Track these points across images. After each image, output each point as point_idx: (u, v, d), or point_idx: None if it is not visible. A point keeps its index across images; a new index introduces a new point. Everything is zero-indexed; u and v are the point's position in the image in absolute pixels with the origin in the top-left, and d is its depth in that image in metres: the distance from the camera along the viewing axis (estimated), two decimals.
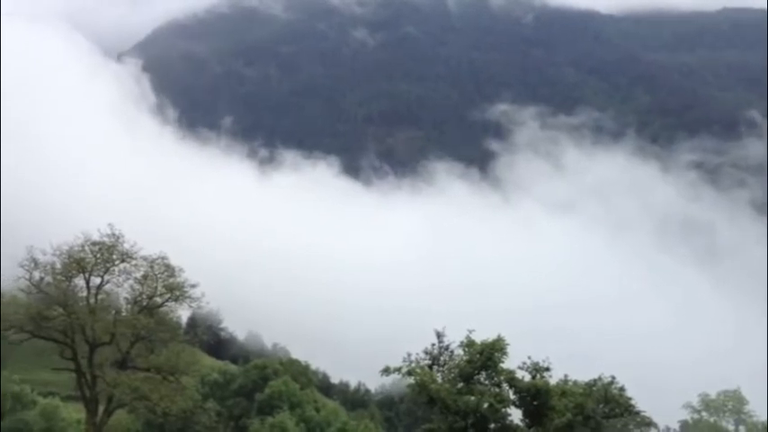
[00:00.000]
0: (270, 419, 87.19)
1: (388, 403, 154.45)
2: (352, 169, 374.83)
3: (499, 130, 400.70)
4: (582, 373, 50.35)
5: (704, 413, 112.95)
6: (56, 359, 58.39)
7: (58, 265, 56.28)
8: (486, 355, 48.06)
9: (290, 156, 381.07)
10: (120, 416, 79.70)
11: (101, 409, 57.08)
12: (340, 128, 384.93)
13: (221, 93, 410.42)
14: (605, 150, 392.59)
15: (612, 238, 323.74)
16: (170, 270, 58.46)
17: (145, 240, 59.80)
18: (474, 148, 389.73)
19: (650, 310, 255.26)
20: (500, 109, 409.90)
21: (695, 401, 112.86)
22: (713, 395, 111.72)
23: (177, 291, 58.25)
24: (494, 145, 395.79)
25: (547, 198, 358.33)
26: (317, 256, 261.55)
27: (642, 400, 49.22)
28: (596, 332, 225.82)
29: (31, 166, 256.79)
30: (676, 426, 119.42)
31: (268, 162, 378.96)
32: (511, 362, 48.28)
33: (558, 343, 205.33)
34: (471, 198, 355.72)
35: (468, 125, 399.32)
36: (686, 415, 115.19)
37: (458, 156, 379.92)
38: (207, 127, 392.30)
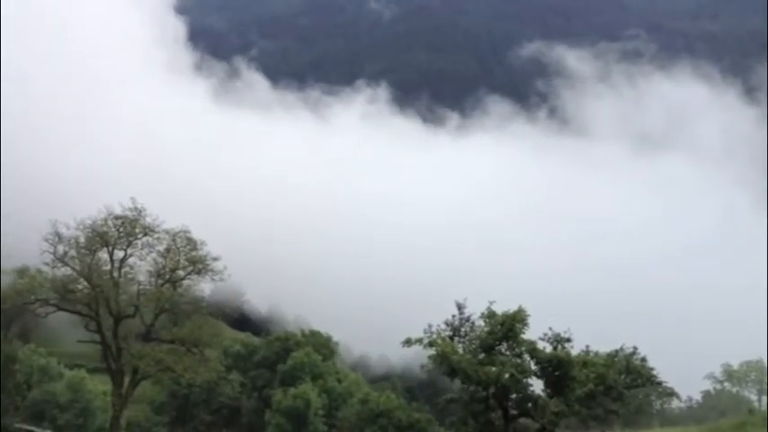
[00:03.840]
0: (292, 390, 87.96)
1: (409, 374, 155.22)
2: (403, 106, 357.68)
3: (543, 68, 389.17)
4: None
5: (726, 383, 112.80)
6: (81, 332, 59.07)
7: (82, 239, 56.77)
8: (508, 326, 48.16)
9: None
10: (146, 387, 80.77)
11: (126, 380, 57.80)
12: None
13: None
14: (667, 77, 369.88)
15: (704, 178, 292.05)
16: (192, 243, 58.84)
17: (168, 209, 60.17)
18: (524, 90, 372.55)
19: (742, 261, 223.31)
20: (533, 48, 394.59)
21: (718, 372, 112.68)
22: (735, 366, 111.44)
23: (199, 264, 58.64)
24: (543, 84, 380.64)
25: (625, 134, 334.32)
26: (344, 217, 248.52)
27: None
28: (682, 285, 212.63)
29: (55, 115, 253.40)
30: (699, 396, 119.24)
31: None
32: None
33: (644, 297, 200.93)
34: (543, 140, 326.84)
35: (510, 66, 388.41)
36: (709, 385, 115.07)
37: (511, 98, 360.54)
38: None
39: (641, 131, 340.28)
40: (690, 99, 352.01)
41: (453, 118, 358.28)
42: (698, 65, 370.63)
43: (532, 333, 49.25)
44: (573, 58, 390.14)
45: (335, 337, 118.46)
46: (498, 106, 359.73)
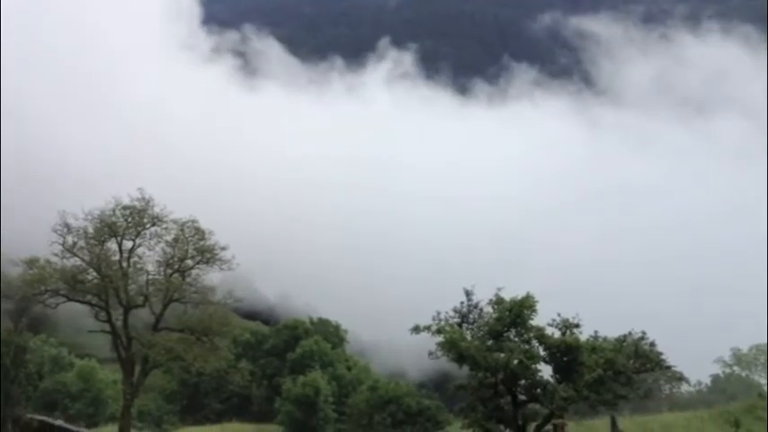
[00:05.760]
0: (302, 378, 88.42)
1: (418, 362, 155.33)
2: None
3: (563, 39, 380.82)
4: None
5: (736, 367, 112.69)
6: (91, 322, 59.39)
7: (91, 230, 56.96)
8: (516, 313, 48.26)
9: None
10: (156, 376, 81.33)
11: (137, 369, 58.14)
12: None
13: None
14: (700, 41, 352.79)
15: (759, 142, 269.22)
16: (200, 233, 59.06)
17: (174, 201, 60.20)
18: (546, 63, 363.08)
19: None
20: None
21: (727, 356, 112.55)
22: (745, 349, 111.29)
23: (208, 253, 58.84)
24: (567, 56, 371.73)
25: (661, 97, 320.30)
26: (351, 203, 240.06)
27: None
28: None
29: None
30: (708, 380, 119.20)
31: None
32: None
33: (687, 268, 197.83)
34: (580, 115, 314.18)
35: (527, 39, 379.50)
36: (718, 369, 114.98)
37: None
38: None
39: (679, 93, 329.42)
40: (729, 59, 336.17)
41: (462, 100, 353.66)
42: (729, 26, 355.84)
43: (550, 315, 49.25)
44: (593, 24, 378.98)
45: (344, 325, 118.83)
46: (525, 74, 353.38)
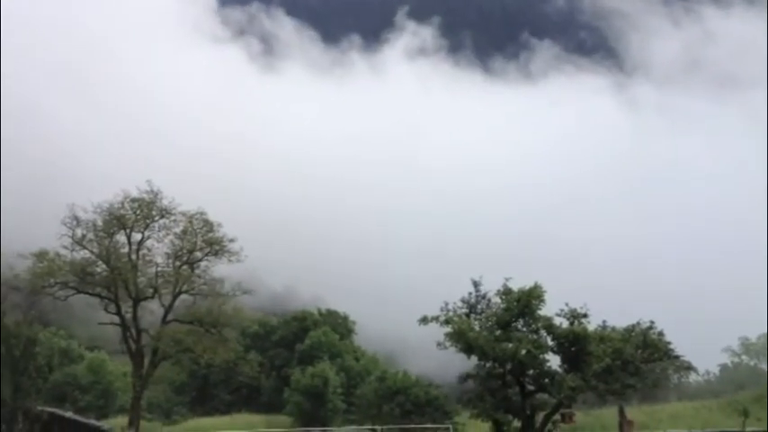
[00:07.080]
0: (310, 369, 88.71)
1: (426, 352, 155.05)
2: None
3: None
4: None
5: (744, 357, 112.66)
6: (101, 314, 59.64)
7: (100, 223, 57.14)
8: (524, 303, 48.32)
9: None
10: (166, 368, 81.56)
11: (146, 361, 58.40)
12: None
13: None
14: (724, 14, 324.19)
15: None
16: (208, 225, 59.15)
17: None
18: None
19: None
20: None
21: (735, 345, 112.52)
22: (753, 339, 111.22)
23: (216, 245, 58.95)
24: (589, 33, 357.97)
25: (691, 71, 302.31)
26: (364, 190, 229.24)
27: None
28: None
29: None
30: (716, 370, 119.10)
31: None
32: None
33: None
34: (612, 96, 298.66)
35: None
36: (726, 359, 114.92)
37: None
38: None
39: (711, 68, 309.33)
40: (757, 31, 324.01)
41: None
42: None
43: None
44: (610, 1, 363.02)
45: (352, 316, 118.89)
46: (547, 51, 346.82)
